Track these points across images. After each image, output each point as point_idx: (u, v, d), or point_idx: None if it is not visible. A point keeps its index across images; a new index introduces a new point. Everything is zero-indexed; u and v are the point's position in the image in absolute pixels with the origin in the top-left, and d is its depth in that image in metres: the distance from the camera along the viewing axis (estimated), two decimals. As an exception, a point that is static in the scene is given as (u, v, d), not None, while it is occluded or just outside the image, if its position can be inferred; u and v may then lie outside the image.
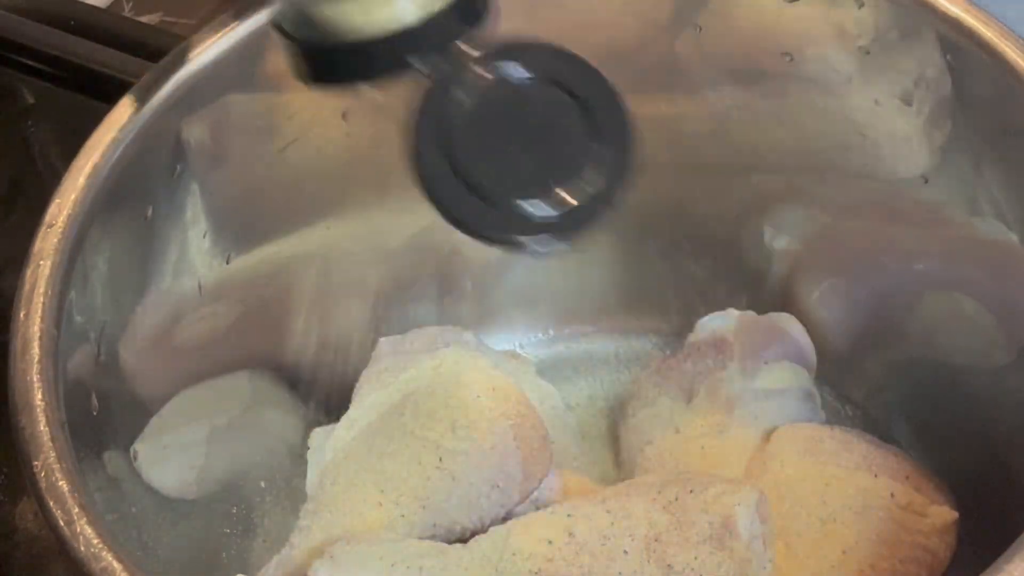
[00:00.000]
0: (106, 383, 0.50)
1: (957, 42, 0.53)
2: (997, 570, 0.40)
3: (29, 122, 0.69)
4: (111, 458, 0.50)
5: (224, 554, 0.58)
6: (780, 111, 0.60)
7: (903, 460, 0.58)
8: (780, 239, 0.64)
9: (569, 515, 0.53)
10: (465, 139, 0.42)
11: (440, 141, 0.41)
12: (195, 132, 0.54)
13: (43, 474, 0.43)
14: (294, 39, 0.43)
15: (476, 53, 0.42)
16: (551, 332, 0.69)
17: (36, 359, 0.45)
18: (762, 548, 0.53)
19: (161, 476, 0.53)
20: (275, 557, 0.56)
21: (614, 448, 0.63)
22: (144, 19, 0.79)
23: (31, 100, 0.68)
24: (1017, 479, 0.55)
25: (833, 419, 0.64)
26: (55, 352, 0.46)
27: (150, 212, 0.53)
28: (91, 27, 0.65)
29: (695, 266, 0.67)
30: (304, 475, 0.59)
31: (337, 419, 0.60)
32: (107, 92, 0.57)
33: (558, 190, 0.43)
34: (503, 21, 0.58)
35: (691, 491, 0.53)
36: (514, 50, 0.43)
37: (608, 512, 0.53)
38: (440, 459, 0.56)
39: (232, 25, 0.54)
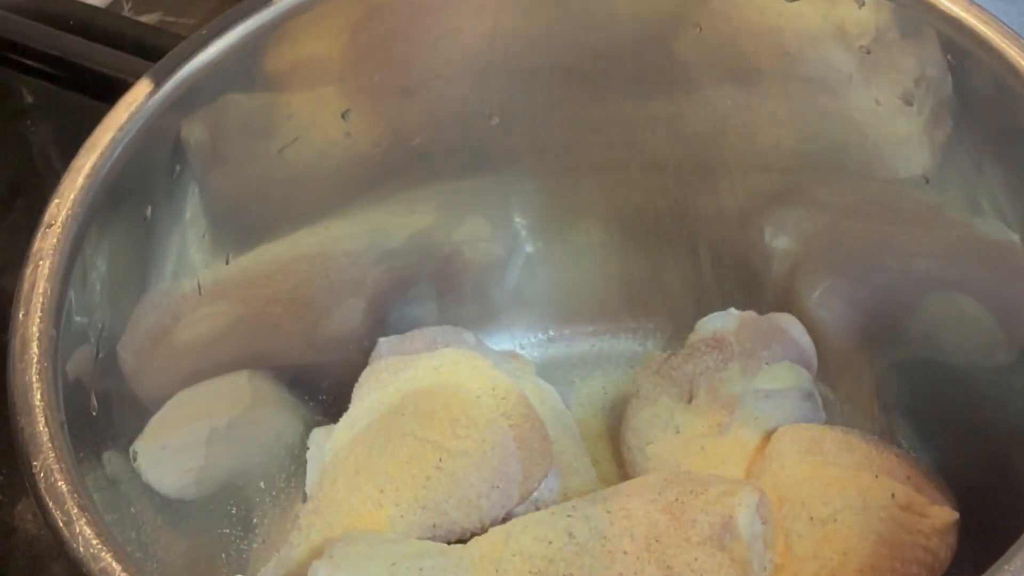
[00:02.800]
0: (105, 383, 0.50)
1: (958, 41, 0.53)
2: (998, 570, 0.40)
3: (28, 122, 0.69)
4: (110, 458, 0.50)
5: (223, 554, 0.58)
6: (780, 111, 0.60)
7: (904, 460, 0.58)
8: (780, 239, 0.64)
9: (569, 515, 0.53)
10: None
11: None
12: (195, 132, 0.54)
13: (42, 474, 0.43)
14: None
15: None
16: (551, 332, 0.69)
17: (35, 359, 0.45)
18: (762, 549, 0.53)
19: (160, 476, 0.53)
20: (274, 557, 0.56)
21: (614, 448, 0.63)
22: (144, 19, 0.79)
23: (30, 100, 0.68)
24: (1018, 479, 0.55)
25: (834, 419, 0.63)
26: (54, 352, 0.46)
27: (150, 212, 0.53)
28: (91, 27, 0.65)
29: (695, 266, 0.67)
30: (304, 475, 0.59)
31: (337, 419, 0.60)
32: (107, 92, 0.57)
33: None
34: (501, 21, 0.58)
35: (691, 492, 0.53)
36: None
37: (608, 513, 0.53)
38: (440, 459, 0.55)
39: (232, 25, 0.54)
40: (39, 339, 0.46)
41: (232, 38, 0.54)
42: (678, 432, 0.60)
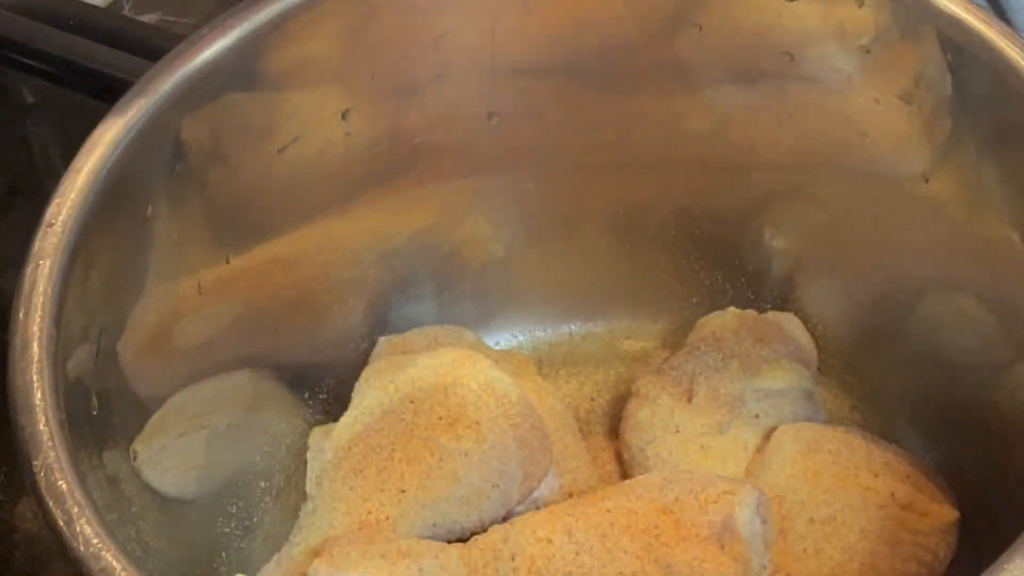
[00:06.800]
0: (106, 383, 0.50)
1: (957, 41, 0.53)
2: (998, 570, 0.40)
3: (29, 122, 0.69)
4: (110, 458, 0.50)
5: (224, 553, 0.58)
6: (780, 111, 0.60)
7: (904, 459, 0.58)
8: (780, 238, 0.65)
9: (569, 515, 0.53)
10: None
11: None
12: (195, 132, 0.54)
13: (42, 474, 0.43)
14: None
15: None
16: (551, 331, 0.69)
17: (35, 358, 0.45)
18: (762, 548, 0.53)
19: (160, 476, 0.53)
20: (275, 556, 0.56)
21: (614, 448, 0.63)
22: (144, 18, 0.79)
23: (31, 100, 0.68)
24: (1017, 479, 0.55)
25: (833, 418, 0.64)
26: (55, 352, 0.46)
27: (150, 212, 0.53)
28: (91, 26, 0.65)
29: (695, 265, 0.67)
30: (304, 474, 0.59)
31: (337, 418, 0.60)
32: (107, 92, 0.57)
33: None
34: (501, 21, 0.58)
35: (691, 491, 0.53)
36: None
37: (608, 512, 0.53)
38: (440, 459, 0.55)
39: (232, 25, 0.54)
40: (39, 338, 0.46)
41: (232, 38, 0.54)
42: (678, 431, 0.60)
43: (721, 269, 0.67)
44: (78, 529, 0.42)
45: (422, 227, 0.64)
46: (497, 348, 0.67)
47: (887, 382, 0.64)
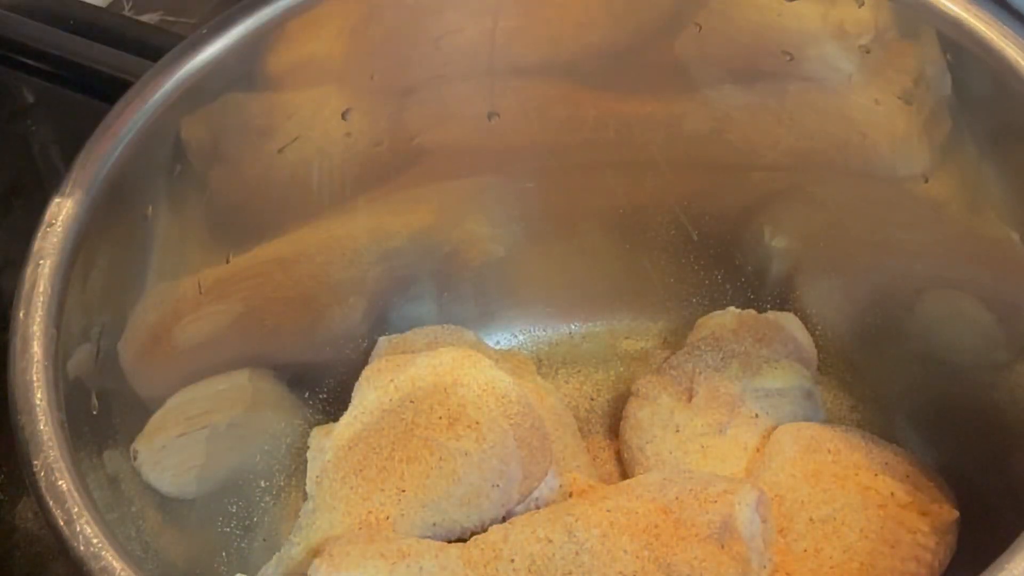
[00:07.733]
0: (106, 382, 0.50)
1: (957, 41, 0.53)
2: (997, 569, 0.40)
3: (29, 122, 0.69)
4: (111, 457, 0.50)
5: (224, 553, 0.58)
6: (780, 110, 0.60)
7: (903, 459, 0.58)
8: (780, 238, 0.65)
9: (569, 515, 0.53)
10: None
11: None
12: (195, 132, 0.54)
13: (43, 473, 0.43)
14: None
15: None
16: (551, 331, 0.69)
17: (36, 358, 0.45)
18: (762, 547, 0.53)
19: (160, 475, 0.53)
20: (275, 556, 0.56)
21: (614, 447, 0.63)
22: (144, 18, 0.79)
23: (31, 100, 0.68)
24: (1017, 479, 0.55)
25: (833, 418, 0.64)
26: (55, 351, 0.46)
27: (150, 211, 0.53)
28: (91, 27, 0.65)
29: (695, 265, 0.67)
30: (304, 474, 0.59)
31: (337, 418, 0.60)
32: (107, 92, 0.57)
33: None
34: (501, 21, 0.58)
35: (691, 490, 0.53)
36: None
37: (608, 511, 0.53)
38: (440, 458, 0.55)
39: (232, 25, 0.54)
40: (40, 338, 0.46)
41: (232, 38, 0.54)
42: (678, 431, 0.60)
43: (721, 269, 0.67)
44: (78, 529, 0.42)
45: (422, 227, 0.64)
46: (497, 348, 0.67)
47: (887, 382, 0.64)
